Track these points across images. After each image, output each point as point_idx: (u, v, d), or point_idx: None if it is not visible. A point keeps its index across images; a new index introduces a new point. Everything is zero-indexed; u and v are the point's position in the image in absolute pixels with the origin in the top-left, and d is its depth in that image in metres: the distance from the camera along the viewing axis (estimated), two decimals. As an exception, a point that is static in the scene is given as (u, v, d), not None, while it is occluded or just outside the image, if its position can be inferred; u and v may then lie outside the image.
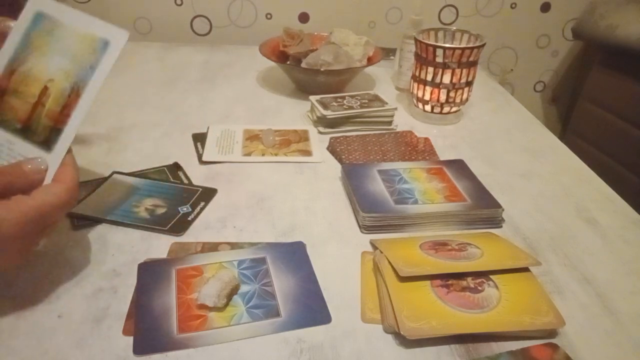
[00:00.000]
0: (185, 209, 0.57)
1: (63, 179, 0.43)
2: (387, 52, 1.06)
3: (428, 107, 0.82)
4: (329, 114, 0.76)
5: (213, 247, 0.51)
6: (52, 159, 0.45)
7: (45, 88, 0.45)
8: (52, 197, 0.41)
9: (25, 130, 0.45)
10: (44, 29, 0.46)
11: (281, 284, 0.46)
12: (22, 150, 0.45)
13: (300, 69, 0.88)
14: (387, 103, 0.80)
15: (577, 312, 0.45)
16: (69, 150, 0.45)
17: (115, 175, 0.62)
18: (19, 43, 0.46)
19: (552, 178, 0.67)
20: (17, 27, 0.47)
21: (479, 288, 0.44)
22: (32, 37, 0.46)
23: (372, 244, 0.52)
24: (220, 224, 0.55)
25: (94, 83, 0.45)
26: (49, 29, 0.46)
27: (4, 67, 0.46)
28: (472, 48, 0.75)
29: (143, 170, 0.64)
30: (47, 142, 0.45)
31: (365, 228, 0.55)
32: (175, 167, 0.65)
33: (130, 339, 0.40)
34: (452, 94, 0.79)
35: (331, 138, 0.74)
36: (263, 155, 0.69)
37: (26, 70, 0.46)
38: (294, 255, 0.50)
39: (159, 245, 0.51)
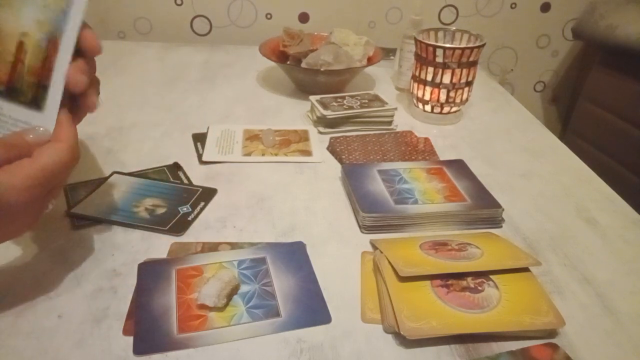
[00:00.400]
0: (185, 209, 0.57)
1: (63, 138, 0.42)
2: (387, 52, 1.06)
3: (428, 107, 0.82)
4: (329, 114, 0.76)
5: (213, 247, 0.51)
6: (46, 118, 0.43)
7: (21, 43, 0.42)
8: (55, 157, 0.40)
9: (11, 92, 0.43)
10: None
11: (281, 284, 0.46)
12: (12, 112, 0.43)
13: (300, 69, 0.88)
14: (387, 103, 0.80)
15: (577, 312, 0.45)
16: (62, 107, 0.43)
17: (115, 175, 0.62)
18: None
19: (552, 178, 0.67)
20: None
21: (479, 288, 0.44)
22: None
23: (372, 244, 0.52)
24: (220, 224, 0.55)
25: (70, 29, 0.42)
26: None
27: None
28: (472, 48, 0.75)
29: (143, 170, 0.64)
30: (35, 100, 0.43)
31: (365, 228, 0.55)
32: (175, 167, 0.65)
33: (130, 339, 0.40)
34: (452, 94, 0.79)
35: (331, 138, 0.74)
36: (263, 155, 0.69)
37: None
38: (294, 255, 0.50)
39: (159, 245, 0.51)
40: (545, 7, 1.28)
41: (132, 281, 0.46)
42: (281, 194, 0.61)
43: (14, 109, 0.43)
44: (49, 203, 0.43)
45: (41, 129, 0.43)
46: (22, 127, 0.43)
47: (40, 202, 0.41)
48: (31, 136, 0.42)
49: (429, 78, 0.79)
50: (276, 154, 0.70)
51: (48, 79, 0.42)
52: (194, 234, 0.53)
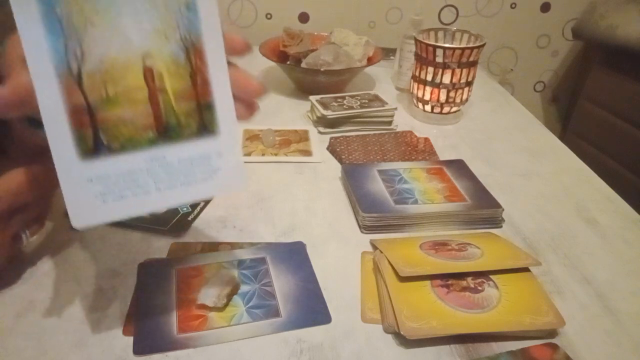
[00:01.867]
0: (185, 209, 0.56)
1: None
2: (387, 52, 1.06)
3: (428, 107, 0.82)
4: (329, 114, 0.76)
5: (213, 247, 0.51)
6: (225, 140, 0.34)
7: (149, 70, 0.32)
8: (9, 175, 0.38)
9: (167, 132, 0.33)
10: None
11: (281, 284, 0.46)
12: (181, 153, 0.34)
13: (300, 69, 0.88)
14: (387, 103, 0.80)
15: (577, 312, 0.45)
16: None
17: (115, 175, 0.62)
18: (47, 34, 0.29)
19: (552, 178, 0.67)
20: (22, 13, 0.29)
21: (479, 288, 0.44)
22: (63, 12, 0.29)
23: (372, 244, 0.52)
24: (220, 224, 0.55)
25: (208, 26, 0.32)
26: None
27: (56, 82, 0.30)
28: (472, 48, 0.75)
29: (143, 170, 0.64)
30: (205, 127, 0.34)
31: (365, 228, 0.55)
32: (175, 167, 0.65)
33: (130, 339, 0.40)
34: (452, 94, 0.79)
35: (331, 138, 0.74)
36: (263, 155, 0.69)
37: (96, 65, 0.31)
38: (294, 255, 0.50)
39: (159, 245, 0.51)
40: (545, 7, 1.28)
41: (132, 281, 0.46)
42: (281, 194, 0.61)
43: (181, 150, 0.34)
44: (21, 234, 0.43)
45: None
46: (203, 165, 0.35)
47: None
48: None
49: (429, 78, 0.79)
50: (276, 154, 0.70)
51: (209, 95, 0.34)
52: (194, 234, 0.53)
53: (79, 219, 0.32)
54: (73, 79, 0.31)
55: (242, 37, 0.35)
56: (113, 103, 0.32)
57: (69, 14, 0.30)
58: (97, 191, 0.32)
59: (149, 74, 0.32)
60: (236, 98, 0.36)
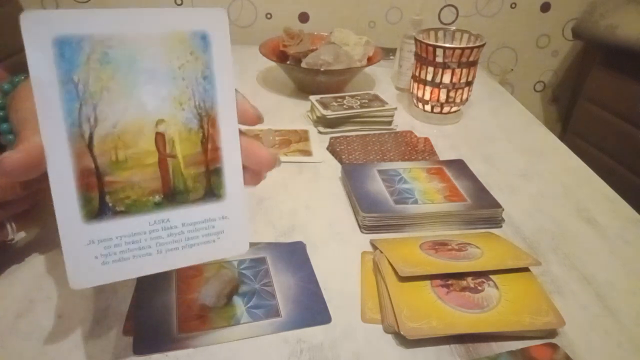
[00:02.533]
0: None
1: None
2: (387, 52, 1.06)
3: (428, 107, 0.82)
4: (329, 114, 0.76)
5: (213, 247, 0.51)
6: (230, 205, 0.35)
7: (160, 135, 0.32)
8: None
9: (174, 197, 0.33)
10: (90, 58, 0.30)
11: (281, 284, 0.46)
12: (187, 217, 0.34)
13: (300, 69, 0.88)
14: (387, 103, 0.80)
15: (577, 312, 0.45)
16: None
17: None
18: (62, 98, 0.29)
19: (552, 178, 0.67)
20: (39, 76, 0.29)
21: (479, 288, 0.44)
22: (80, 78, 0.30)
23: (372, 244, 0.52)
24: (220, 224, 0.55)
25: (223, 94, 0.33)
26: (99, 53, 0.30)
27: (66, 145, 0.30)
28: (472, 48, 0.75)
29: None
30: (211, 191, 0.34)
31: (365, 228, 0.55)
32: (175, 167, 0.65)
33: (130, 339, 0.40)
34: (452, 94, 0.79)
35: (331, 138, 0.74)
36: (263, 155, 0.69)
37: (109, 130, 0.31)
38: (294, 255, 0.50)
39: (159, 245, 0.51)
40: (545, 7, 1.28)
41: (132, 281, 0.46)
42: (281, 194, 0.61)
43: (186, 213, 0.34)
44: (6, 224, 0.43)
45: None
46: (207, 228, 0.35)
47: None
48: None
49: (429, 78, 0.79)
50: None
51: (218, 161, 0.34)
52: (194, 234, 0.53)
53: (76, 281, 0.32)
54: (84, 142, 0.30)
55: (255, 109, 0.36)
56: (122, 167, 0.31)
57: (86, 80, 0.30)
58: (97, 253, 0.32)
59: (160, 139, 0.32)
60: (245, 167, 0.36)
